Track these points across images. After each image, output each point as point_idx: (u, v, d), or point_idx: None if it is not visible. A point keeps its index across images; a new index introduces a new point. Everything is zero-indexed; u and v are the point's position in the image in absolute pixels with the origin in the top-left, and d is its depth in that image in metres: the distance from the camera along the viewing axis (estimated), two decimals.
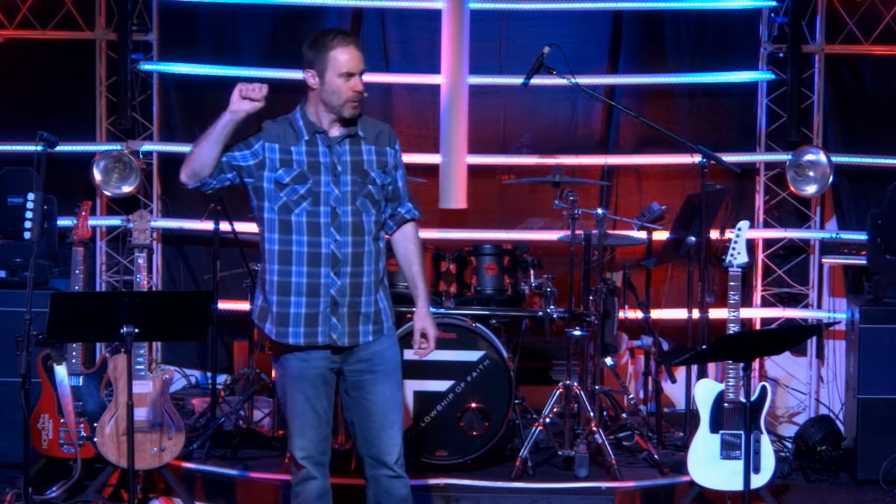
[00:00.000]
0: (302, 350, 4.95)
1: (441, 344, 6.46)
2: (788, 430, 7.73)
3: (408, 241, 5.14)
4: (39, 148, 5.56)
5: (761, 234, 8.07)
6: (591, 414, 6.59)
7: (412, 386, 6.48)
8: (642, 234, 7.40)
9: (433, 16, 7.95)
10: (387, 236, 5.13)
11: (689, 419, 6.85)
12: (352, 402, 5.06)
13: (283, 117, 5.03)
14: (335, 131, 4.97)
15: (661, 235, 7.30)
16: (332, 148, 4.94)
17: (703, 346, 5.96)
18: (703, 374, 6.65)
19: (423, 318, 5.11)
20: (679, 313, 7.52)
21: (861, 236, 7.56)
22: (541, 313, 6.85)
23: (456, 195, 7.84)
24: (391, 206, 5.09)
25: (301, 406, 4.98)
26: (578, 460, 6.50)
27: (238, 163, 4.95)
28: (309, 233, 4.90)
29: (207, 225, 7.14)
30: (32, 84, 8.09)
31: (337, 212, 4.92)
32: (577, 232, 6.77)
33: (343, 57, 4.88)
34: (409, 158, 7.73)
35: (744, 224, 6.27)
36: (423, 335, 5.10)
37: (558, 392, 6.64)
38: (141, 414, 6.10)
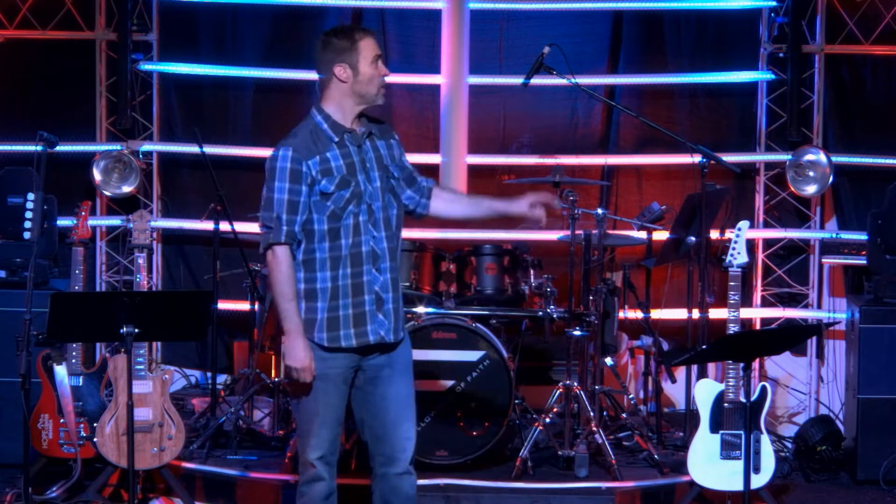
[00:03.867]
0: (325, 350, 4.95)
1: (441, 344, 6.50)
2: (788, 430, 7.73)
3: (447, 191, 5.30)
4: (39, 148, 5.56)
5: (761, 234, 8.07)
6: (591, 414, 6.59)
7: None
8: (642, 234, 7.40)
9: (433, 16, 7.95)
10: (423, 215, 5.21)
11: (689, 419, 6.85)
12: (366, 399, 5.05)
13: (302, 127, 4.98)
14: (358, 128, 5.01)
15: (661, 235, 7.30)
16: (361, 146, 4.99)
17: (703, 346, 5.96)
18: (703, 374, 6.65)
19: (521, 198, 5.15)
20: (679, 313, 7.52)
21: (861, 236, 7.56)
22: (541, 313, 6.85)
23: None
24: (412, 189, 5.13)
25: (321, 406, 4.97)
26: (578, 460, 6.50)
27: (307, 207, 4.94)
28: (353, 234, 4.93)
29: (207, 225, 7.14)
30: (32, 84, 8.09)
31: (372, 208, 4.96)
32: (577, 232, 6.77)
33: (372, 44, 4.96)
34: (410, 158, 7.72)
35: (744, 224, 6.27)
36: (532, 205, 5.13)
37: (558, 392, 6.64)
38: (141, 414, 6.09)
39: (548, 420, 6.63)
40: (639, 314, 7.29)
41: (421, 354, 6.40)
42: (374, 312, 4.95)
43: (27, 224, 6.85)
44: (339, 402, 5.00)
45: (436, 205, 5.19)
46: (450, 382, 6.56)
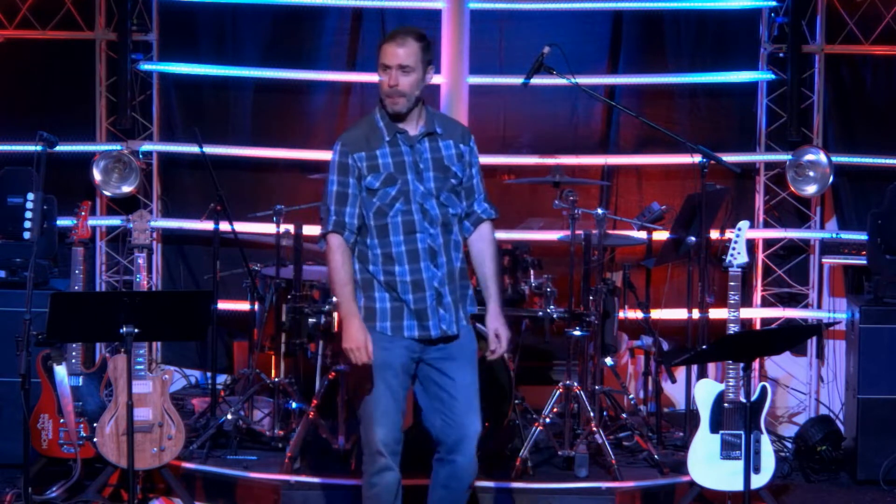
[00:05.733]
0: (387, 339, 5.04)
1: None
2: (788, 430, 7.73)
3: (483, 241, 5.22)
4: (39, 148, 5.57)
5: (761, 234, 8.07)
6: (591, 414, 6.59)
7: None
8: (642, 234, 7.40)
9: (433, 16, 7.95)
10: (464, 238, 5.21)
11: (689, 419, 6.84)
12: (433, 389, 5.13)
13: (362, 121, 5.17)
14: (414, 130, 5.07)
15: (661, 235, 7.30)
16: (414, 146, 5.05)
17: (703, 346, 5.96)
18: (703, 374, 6.65)
19: (495, 318, 5.17)
20: (679, 313, 7.52)
21: (861, 236, 7.56)
22: (541, 313, 6.84)
23: None
24: (467, 204, 5.18)
25: (383, 393, 5.04)
26: (578, 460, 6.50)
27: (358, 197, 5.05)
28: (405, 232, 5.02)
29: (207, 225, 7.13)
30: (32, 84, 8.08)
31: (425, 207, 5.04)
32: (577, 232, 6.77)
33: (386, 50, 5.02)
34: None
35: (744, 224, 6.27)
36: (497, 335, 5.16)
37: (558, 392, 6.64)
38: (141, 414, 6.09)
39: (548, 420, 6.63)
40: (639, 314, 7.29)
41: None
42: (436, 308, 5.05)
43: (27, 224, 6.85)
44: (400, 392, 5.07)
45: (471, 239, 5.23)
46: None
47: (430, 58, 5.13)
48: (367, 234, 5.05)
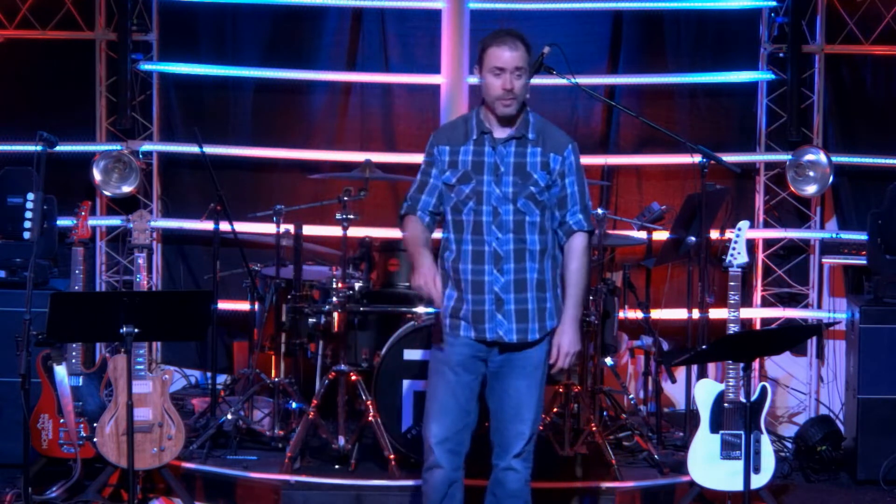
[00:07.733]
0: (449, 335, 5.08)
1: None
2: (788, 430, 7.73)
3: (569, 253, 5.13)
4: (39, 148, 5.57)
5: (761, 234, 8.07)
6: (592, 414, 6.59)
7: (412, 386, 6.47)
8: (642, 234, 7.41)
9: (433, 16, 7.95)
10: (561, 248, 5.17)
11: (689, 419, 6.85)
12: (491, 392, 5.16)
13: (462, 116, 5.24)
14: (500, 133, 5.08)
15: (661, 235, 7.30)
16: (497, 149, 5.06)
17: (703, 346, 5.96)
18: (703, 374, 6.65)
19: (561, 331, 5.10)
20: (679, 313, 7.52)
21: (861, 236, 7.56)
22: None
23: None
24: (560, 214, 5.13)
25: (441, 389, 5.09)
26: (577, 460, 6.50)
27: (439, 188, 5.12)
28: (474, 231, 5.05)
29: (207, 225, 7.13)
30: (32, 84, 8.09)
31: (499, 211, 5.04)
32: None
33: (496, 54, 5.00)
34: (410, 158, 7.76)
35: (744, 224, 6.27)
36: (558, 349, 5.09)
37: (558, 392, 6.64)
38: (141, 414, 6.09)
39: (548, 420, 6.63)
40: (639, 314, 7.29)
41: (421, 354, 6.40)
42: (494, 312, 5.05)
43: (27, 224, 6.84)
44: (459, 390, 5.09)
45: (564, 250, 5.14)
46: None
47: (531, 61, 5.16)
48: (446, 228, 5.10)
